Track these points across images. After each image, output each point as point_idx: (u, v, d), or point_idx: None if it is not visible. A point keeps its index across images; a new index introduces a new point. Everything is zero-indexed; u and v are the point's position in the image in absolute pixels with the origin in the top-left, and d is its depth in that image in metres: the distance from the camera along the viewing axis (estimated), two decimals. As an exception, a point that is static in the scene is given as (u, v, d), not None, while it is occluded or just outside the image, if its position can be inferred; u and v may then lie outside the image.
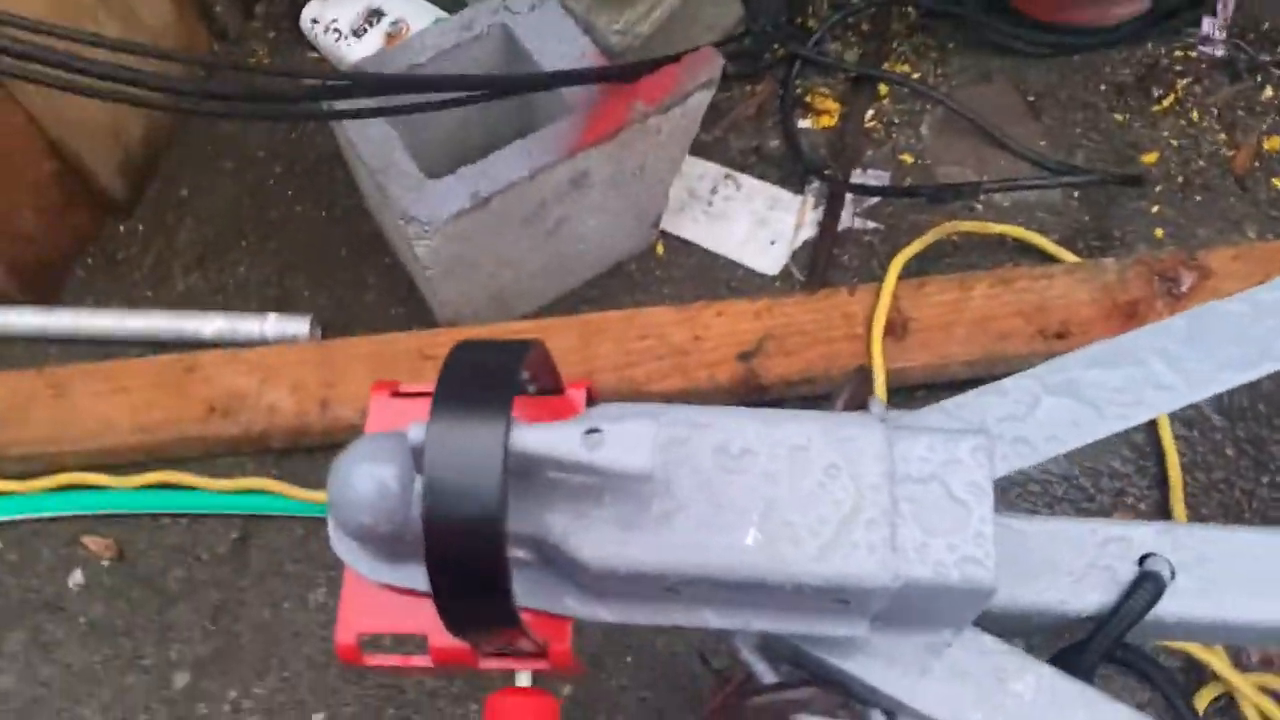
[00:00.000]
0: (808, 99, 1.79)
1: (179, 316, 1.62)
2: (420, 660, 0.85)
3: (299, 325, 1.60)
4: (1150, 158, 1.70)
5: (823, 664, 0.83)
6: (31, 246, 1.64)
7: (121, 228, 1.75)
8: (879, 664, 0.82)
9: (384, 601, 0.85)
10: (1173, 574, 0.83)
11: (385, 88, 1.29)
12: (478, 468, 0.68)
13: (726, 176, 1.73)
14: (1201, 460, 1.47)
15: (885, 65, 1.81)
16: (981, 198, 1.67)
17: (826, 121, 1.78)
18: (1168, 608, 0.82)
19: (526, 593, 0.81)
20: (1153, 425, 1.48)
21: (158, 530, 1.50)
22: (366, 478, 0.76)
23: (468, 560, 0.69)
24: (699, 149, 1.75)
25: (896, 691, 0.81)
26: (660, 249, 1.68)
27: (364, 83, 1.30)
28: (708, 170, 1.73)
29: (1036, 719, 0.79)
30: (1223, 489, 1.45)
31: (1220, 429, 1.49)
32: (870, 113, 1.78)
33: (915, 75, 1.80)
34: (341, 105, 1.34)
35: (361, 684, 1.38)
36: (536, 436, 0.71)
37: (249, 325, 1.60)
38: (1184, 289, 1.48)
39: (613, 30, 1.52)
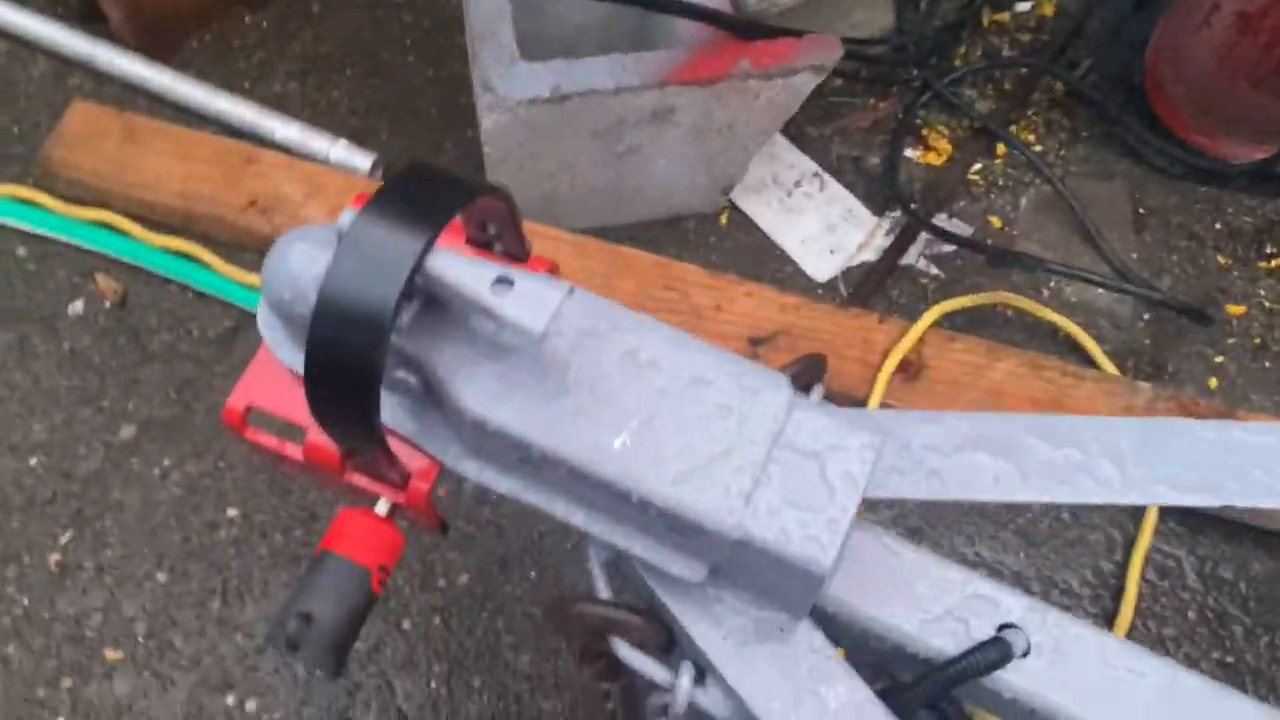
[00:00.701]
0: (924, 131, 1.76)
1: (261, 112, 1.67)
2: (294, 450, 0.87)
3: (363, 160, 1.63)
4: (1236, 310, 1.63)
5: (659, 602, 0.82)
6: (158, 2, 1.70)
7: (247, 19, 1.81)
8: (707, 621, 0.81)
9: (283, 388, 0.87)
10: (1026, 651, 0.80)
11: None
12: (385, 266, 0.69)
13: (815, 174, 1.71)
14: (1159, 612, 1.41)
15: (1012, 128, 1.77)
16: (1051, 284, 1.63)
17: (933, 159, 1.75)
18: (1009, 680, 0.80)
19: (409, 421, 0.82)
20: (1125, 558, 1.43)
21: (164, 293, 1.56)
22: (296, 255, 0.78)
23: (344, 354, 0.70)
24: (801, 141, 1.74)
25: (712, 652, 0.80)
26: (724, 219, 1.67)
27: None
28: (800, 163, 1.72)
29: (833, 730, 0.78)
30: (1169, 647, 1.39)
31: (1192, 590, 1.43)
32: (978, 166, 1.74)
33: (1038, 148, 1.76)
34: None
35: (284, 499, 1.42)
36: (450, 263, 0.71)
37: (319, 143, 1.64)
38: (1209, 439, 1.41)
39: (751, -9, 1.51)
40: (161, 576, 1.37)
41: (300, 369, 0.85)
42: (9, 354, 1.51)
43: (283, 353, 0.85)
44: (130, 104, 1.69)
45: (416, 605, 1.35)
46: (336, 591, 0.83)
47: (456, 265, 0.72)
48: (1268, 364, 1.59)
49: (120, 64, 1.71)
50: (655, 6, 1.40)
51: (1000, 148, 1.76)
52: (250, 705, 1.29)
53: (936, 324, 1.49)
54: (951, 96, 1.77)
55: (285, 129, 1.66)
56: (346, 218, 0.73)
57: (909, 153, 1.75)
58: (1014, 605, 0.83)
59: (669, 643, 0.84)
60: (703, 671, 0.82)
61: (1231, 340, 1.61)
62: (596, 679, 1.07)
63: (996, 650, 0.79)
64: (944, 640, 0.81)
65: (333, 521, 0.86)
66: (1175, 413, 1.44)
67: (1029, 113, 1.80)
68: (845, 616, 0.82)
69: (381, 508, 0.86)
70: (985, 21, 1.87)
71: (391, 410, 0.82)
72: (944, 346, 1.47)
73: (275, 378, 0.88)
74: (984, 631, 0.81)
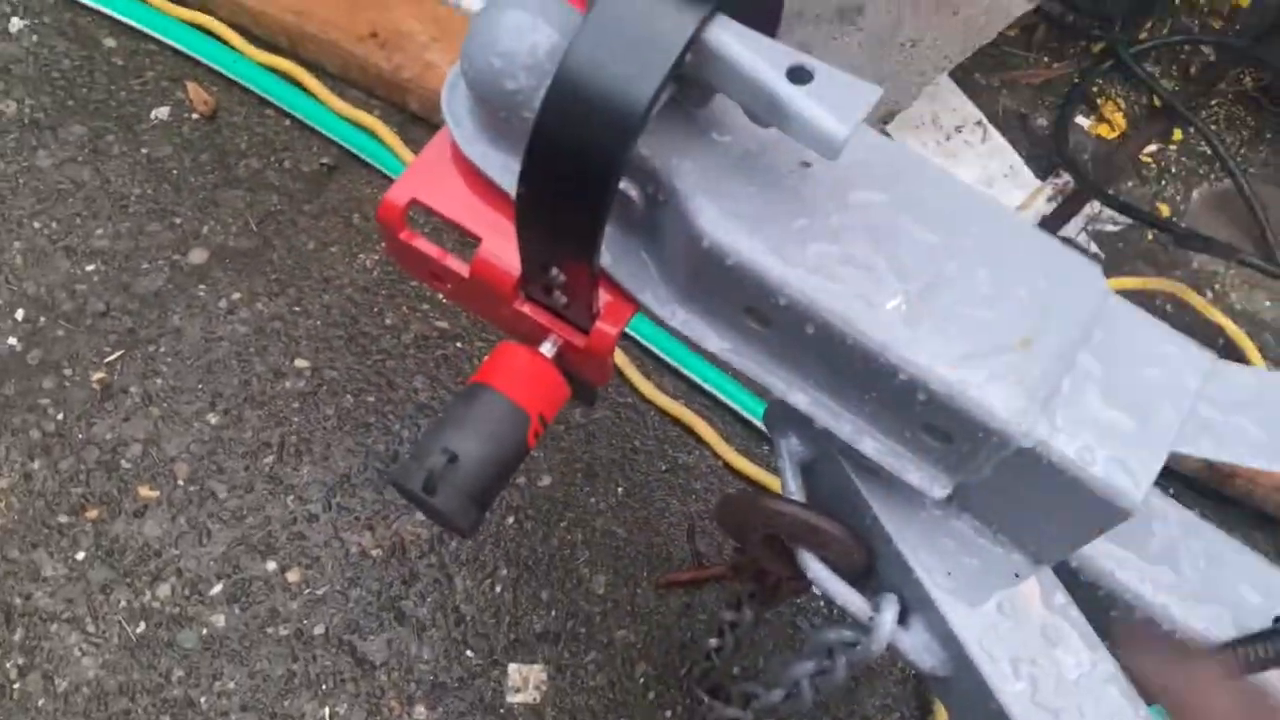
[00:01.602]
0: (1099, 100, 1.61)
1: (394, -56, 1.51)
2: (457, 264, 0.72)
3: (497, 14, 1.48)
4: None
5: (871, 520, 0.67)
6: None
7: None
8: (932, 551, 0.66)
9: (454, 187, 0.72)
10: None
11: None
12: (653, 36, 0.54)
13: (979, 123, 1.56)
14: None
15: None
16: (1216, 286, 1.48)
17: (1105, 131, 1.59)
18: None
19: (610, 253, 0.67)
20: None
21: (260, 116, 1.40)
22: (517, 22, 0.63)
23: (582, 142, 0.56)
24: (967, 87, 1.59)
25: (933, 589, 0.66)
26: (873, 152, 1.52)
27: None
28: (965, 106, 1.57)
29: (1069, 700, 0.63)
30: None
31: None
32: (1152, 148, 1.59)
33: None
34: None
35: (362, 359, 1.27)
36: (739, 37, 0.56)
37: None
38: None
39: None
40: (213, 418, 1.22)
41: (483, 163, 0.71)
42: (80, 149, 1.35)
43: (471, 144, 0.70)
44: (250, -91, 1.53)
45: (488, 501, 1.21)
46: (491, 432, 0.68)
47: (745, 41, 0.57)
48: None
49: None
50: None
51: (1178, 133, 1.61)
52: (292, 575, 1.14)
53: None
54: (1136, 67, 1.61)
55: (417, -34, 1.50)
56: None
57: (1081, 119, 1.60)
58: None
59: (866, 572, 0.70)
60: (906, 610, 0.68)
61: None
62: (741, 602, 0.92)
63: (1275, 646, 0.65)
64: (1206, 624, 0.66)
65: (491, 354, 0.71)
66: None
67: (1212, 103, 1.65)
68: (1101, 582, 0.68)
69: (548, 349, 0.71)
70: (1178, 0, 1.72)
71: None
72: (1108, 326, 1.33)
73: (443, 176, 0.72)
74: (1255, 617, 0.67)
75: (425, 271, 0.75)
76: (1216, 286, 1.49)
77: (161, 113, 1.38)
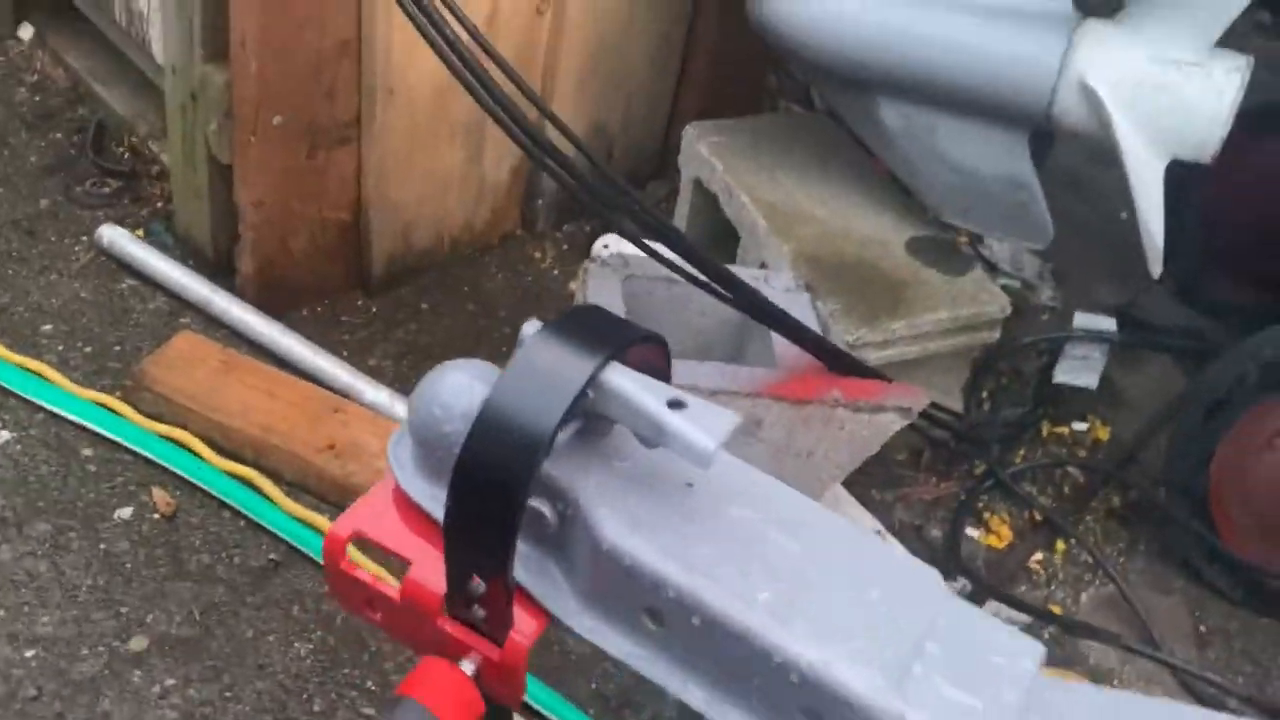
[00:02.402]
0: (986, 514, 1.79)
1: (355, 375, 1.72)
2: (389, 589, 0.82)
3: (443, 433, 1.66)
4: (1309, 743, 1.55)
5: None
6: (288, 266, 1.82)
7: (360, 301, 1.92)
8: None
9: (391, 522, 0.83)
10: None
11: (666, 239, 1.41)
12: (560, 377, 0.70)
13: (878, 532, 1.71)
14: None
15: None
16: (1115, 681, 1.56)
17: (994, 542, 1.75)
18: None
19: (526, 573, 0.78)
20: None
21: (216, 518, 1.52)
22: (452, 380, 0.79)
23: (500, 459, 0.69)
24: (866, 501, 1.76)
25: None
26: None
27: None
28: (864, 517, 1.73)
29: None
30: None
31: None
32: (1039, 556, 1.74)
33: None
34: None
35: (283, 748, 1.28)
36: (627, 378, 0.72)
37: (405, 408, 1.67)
38: None
39: (844, 339, 1.62)
40: (128, 804, 1.20)
41: (426, 501, 0.83)
42: (40, 544, 1.44)
43: (410, 481, 0.82)
44: (233, 347, 1.75)
45: None
46: (407, 739, 0.73)
47: (631, 379, 0.72)
48: (1348, 806, 1.48)
49: (234, 312, 1.79)
50: (767, 322, 1.48)
51: (1060, 543, 1.77)
52: None
53: None
54: (1015, 487, 1.81)
55: (375, 393, 1.70)
56: (530, 327, 0.75)
57: (970, 531, 1.76)
58: None
59: None
60: None
61: (1306, 774, 1.51)
62: None
63: None
64: None
65: (415, 668, 0.78)
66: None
67: (1088, 518, 1.83)
68: None
69: (468, 667, 0.79)
70: (1045, 432, 1.96)
71: None
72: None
73: (383, 514, 0.84)
74: None
75: (360, 600, 0.84)
76: (1115, 681, 1.57)
77: (124, 513, 1.50)
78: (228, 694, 1.32)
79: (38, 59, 2.27)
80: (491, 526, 0.72)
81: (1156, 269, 1.54)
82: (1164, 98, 1.47)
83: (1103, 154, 1.61)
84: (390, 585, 0.82)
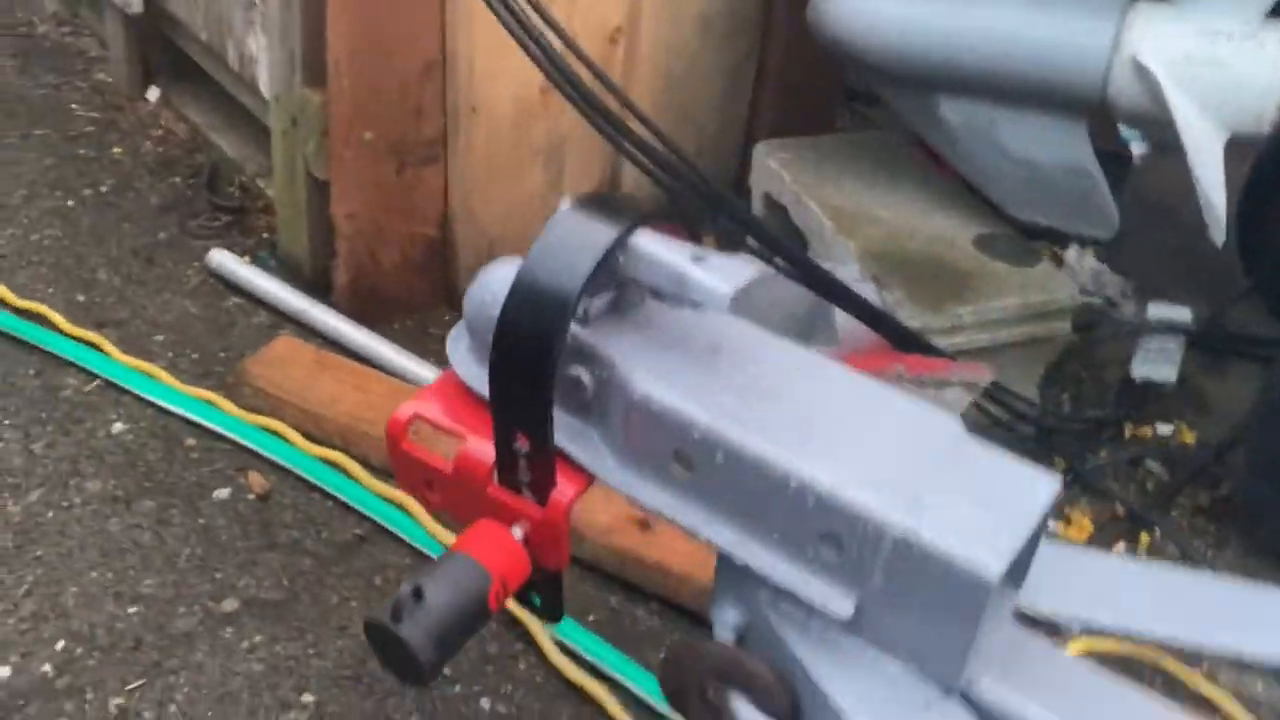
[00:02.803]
0: (1066, 509, 1.76)
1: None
2: (443, 463, 0.88)
3: (521, 425, 1.72)
4: None
5: (791, 658, 0.75)
6: (379, 278, 1.94)
7: (447, 316, 2.02)
8: (846, 680, 0.73)
9: (447, 407, 0.90)
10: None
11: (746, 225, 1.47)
12: (587, 242, 0.76)
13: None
14: None
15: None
16: (1204, 666, 1.51)
17: (1075, 534, 1.73)
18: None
19: (567, 439, 0.83)
20: None
21: (306, 496, 1.60)
22: (502, 272, 0.86)
23: (530, 330, 0.75)
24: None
25: (849, 712, 0.71)
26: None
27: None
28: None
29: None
30: None
31: None
32: (1121, 547, 1.71)
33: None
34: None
35: (364, 697, 1.33)
36: (651, 241, 0.78)
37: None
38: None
39: (910, 325, 1.64)
40: (216, 743, 1.27)
41: (478, 383, 0.89)
42: (146, 518, 1.54)
43: (465, 368, 0.89)
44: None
45: None
46: (454, 583, 0.79)
47: (659, 241, 0.78)
48: None
49: (330, 321, 1.90)
50: (835, 298, 1.51)
51: (1145, 536, 1.73)
52: None
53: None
54: (1096, 484, 1.79)
55: (457, 390, 1.78)
56: (565, 201, 0.82)
57: (1051, 525, 1.74)
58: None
59: (793, 713, 0.75)
60: (832, 747, 0.72)
61: None
62: None
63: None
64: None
65: (467, 529, 0.84)
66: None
67: (1173, 513, 1.79)
68: (1001, 711, 0.73)
69: (516, 533, 0.84)
70: (1128, 434, 1.93)
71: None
72: (1088, 679, 1.36)
73: (440, 400, 0.91)
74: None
75: (420, 480, 0.90)
76: (1204, 666, 1.52)
77: (223, 493, 1.59)
78: (310, 650, 1.39)
79: (163, 116, 2.48)
80: (530, 380, 0.77)
81: (1220, 238, 1.54)
82: (1217, 71, 1.49)
83: (1163, 137, 1.63)
84: (445, 461, 0.88)
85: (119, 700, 1.30)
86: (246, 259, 2.06)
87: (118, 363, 1.77)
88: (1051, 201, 1.76)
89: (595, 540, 1.51)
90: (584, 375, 0.82)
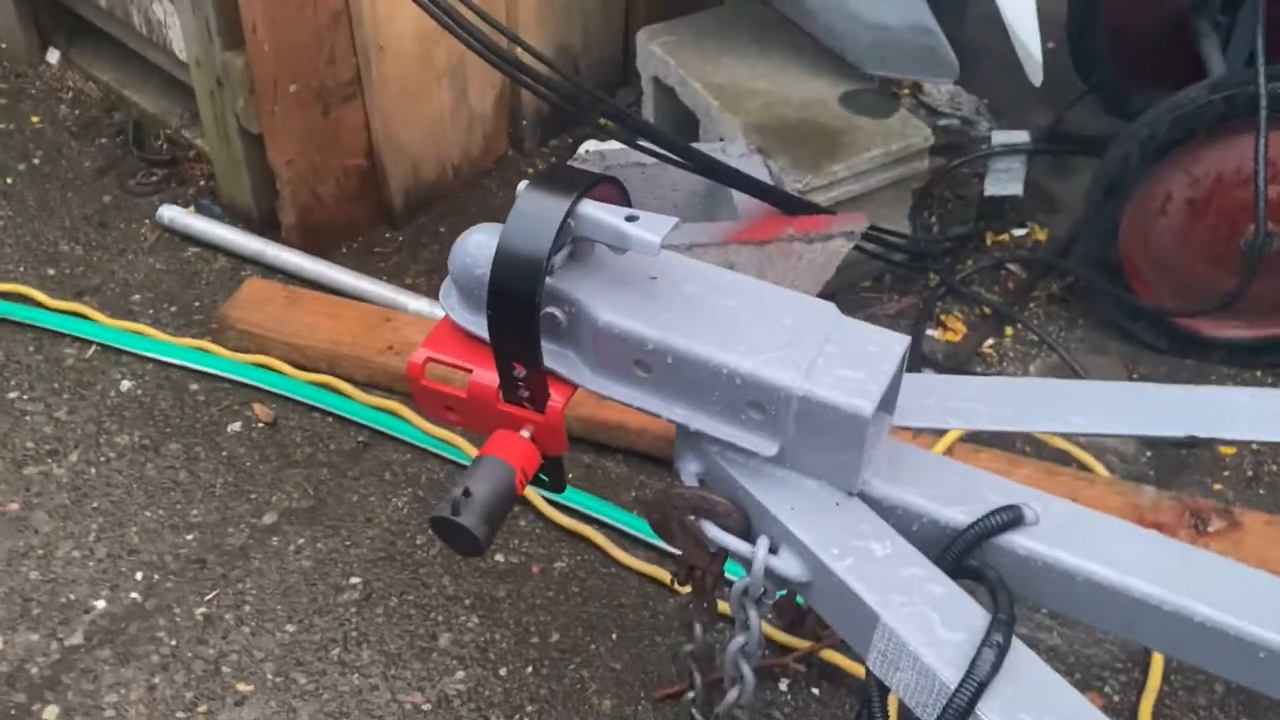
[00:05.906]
0: (942, 316, 2.10)
1: (397, 291, 2.05)
2: (459, 391, 1.15)
3: (478, 324, 1.98)
4: (1228, 450, 1.87)
5: (738, 487, 1.05)
6: (322, 213, 2.15)
7: (387, 234, 2.24)
8: (778, 494, 1.04)
9: (451, 347, 1.16)
10: (1037, 520, 1.00)
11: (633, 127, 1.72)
12: (546, 214, 1.01)
13: (852, 345, 2.03)
14: (1188, 684, 1.54)
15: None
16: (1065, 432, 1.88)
17: (951, 337, 2.07)
18: (1022, 542, 0.99)
19: (552, 361, 1.10)
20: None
21: (309, 419, 1.86)
22: (476, 239, 1.10)
23: (518, 280, 1.01)
24: (839, 323, 2.07)
25: (784, 518, 1.02)
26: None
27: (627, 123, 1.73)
28: (838, 335, 2.04)
29: (878, 572, 0.97)
30: (1199, 715, 1.51)
31: (1214, 668, 1.56)
32: (990, 341, 2.06)
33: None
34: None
35: (401, 570, 1.63)
36: (595, 207, 1.03)
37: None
38: (1210, 529, 1.61)
39: (795, 188, 1.92)
40: (290, 627, 1.56)
41: (472, 326, 1.15)
42: (176, 459, 1.79)
43: (459, 315, 1.15)
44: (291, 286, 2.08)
45: (512, 656, 1.53)
46: (491, 478, 1.07)
47: (598, 208, 1.04)
48: (1262, 491, 1.81)
49: (285, 257, 2.12)
50: (724, 179, 1.79)
51: (1009, 330, 2.08)
52: (362, 732, 1.44)
53: (962, 439, 1.74)
54: (964, 290, 2.12)
55: (416, 302, 2.03)
56: (521, 186, 1.07)
57: (930, 332, 2.07)
58: (1026, 493, 1.05)
59: (747, 529, 1.06)
60: (776, 545, 1.03)
61: (1226, 473, 1.83)
62: (691, 621, 1.25)
63: (1009, 514, 1.00)
64: (962, 512, 1.02)
65: (488, 439, 1.11)
66: (1178, 510, 1.65)
67: (1030, 305, 2.14)
68: (888, 500, 1.04)
69: (524, 434, 1.12)
70: (989, 242, 2.26)
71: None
72: (970, 455, 1.72)
73: (444, 341, 1.17)
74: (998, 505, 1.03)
75: (440, 406, 1.17)
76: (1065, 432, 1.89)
77: (235, 427, 1.84)
78: (347, 543, 1.68)
79: (69, 78, 2.58)
80: (521, 324, 1.04)
81: (1037, 79, 1.82)
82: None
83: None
84: (459, 389, 1.15)
85: (202, 609, 1.59)
86: (191, 209, 2.24)
87: (109, 327, 1.98)
88: (900, 57, 2.02)
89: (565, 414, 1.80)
90: (558, 313, 1.09)
